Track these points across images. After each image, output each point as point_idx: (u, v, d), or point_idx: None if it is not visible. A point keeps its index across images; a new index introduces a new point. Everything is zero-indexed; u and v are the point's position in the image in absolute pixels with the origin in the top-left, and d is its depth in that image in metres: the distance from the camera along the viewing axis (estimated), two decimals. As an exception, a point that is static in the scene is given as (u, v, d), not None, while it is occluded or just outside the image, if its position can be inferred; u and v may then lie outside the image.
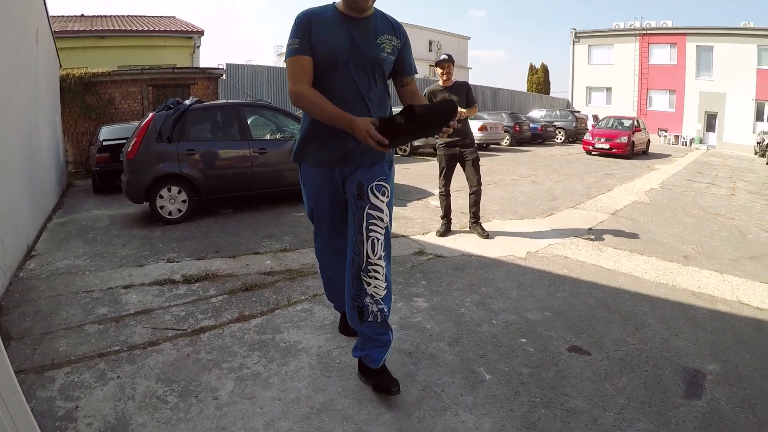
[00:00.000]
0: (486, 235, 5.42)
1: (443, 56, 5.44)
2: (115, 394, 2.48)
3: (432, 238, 5.39)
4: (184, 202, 6.63)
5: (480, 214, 5.68)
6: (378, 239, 2.32)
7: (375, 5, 2.36)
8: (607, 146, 16.81)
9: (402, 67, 2.45)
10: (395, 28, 2.41)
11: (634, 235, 5.67)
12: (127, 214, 7.13)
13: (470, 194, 5.59)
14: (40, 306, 3.64)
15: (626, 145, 16.76)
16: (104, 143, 9.58)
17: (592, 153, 17.24)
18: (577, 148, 19.65)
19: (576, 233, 5.67)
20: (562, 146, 22.00)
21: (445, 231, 5.56)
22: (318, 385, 2.60)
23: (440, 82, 5.45)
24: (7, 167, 4.58)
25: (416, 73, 2.56)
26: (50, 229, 6.30)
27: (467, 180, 5.57)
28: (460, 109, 4.71)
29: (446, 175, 5.60)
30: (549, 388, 2.57)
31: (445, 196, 5.62)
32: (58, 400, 2.42)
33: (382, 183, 2.36)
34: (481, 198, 5.66)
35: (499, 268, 4.38)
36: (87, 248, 5.29)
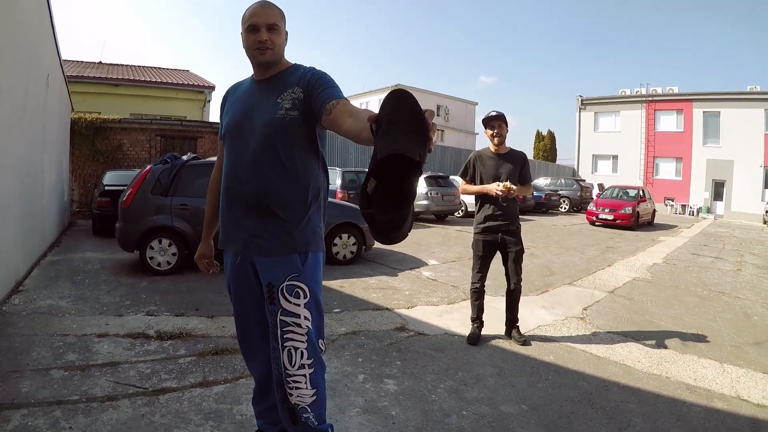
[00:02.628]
0: (524, 341, 4.35)
1: (492, 113, 4.36)
2: None
3: (416, 313, 5.16)
4: (173, 254, 6.73)
5: (518, 316, 4.53)
6: (296, 348, 1.99)
7: (308, 65, 2.08)
8: (611, 217, 16.63)
9: (317, 103, 1.90)
10: (303, 76, 2.00)
11: (630, 318, 5.39)
12: (118, 260, 7.29)
13: (507, 292, 4.49)
14: (14, 343, 3.68)
15: (631, 216, 16.57)
16: (106, 188, 9.97)
17: (596, 224, 17.04)
18: (581, 218, 19.48)
19: (569, 314, 5.40)
20: (567, 215, 21.86)
21: (478, 339, 4.37)
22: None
23: (491, 147, 4.46)
24: (3, 207, 4.75)
25: (344, 98, 1.89)
26: (42, 266, 6.46)
27: (506, 274, 4.48)
28: (508, 183, 4.13)
29: (482, 267, 4.49)
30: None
31: (478, 294, 4.49)
32: None
33: (294, 283, 2.00)
34: (520, 297, 4.52)
35: (481, 351, 4.13)
36: (73, 290, 5.39)
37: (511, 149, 4.47)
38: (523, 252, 4.46)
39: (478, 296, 4.48)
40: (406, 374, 3.63)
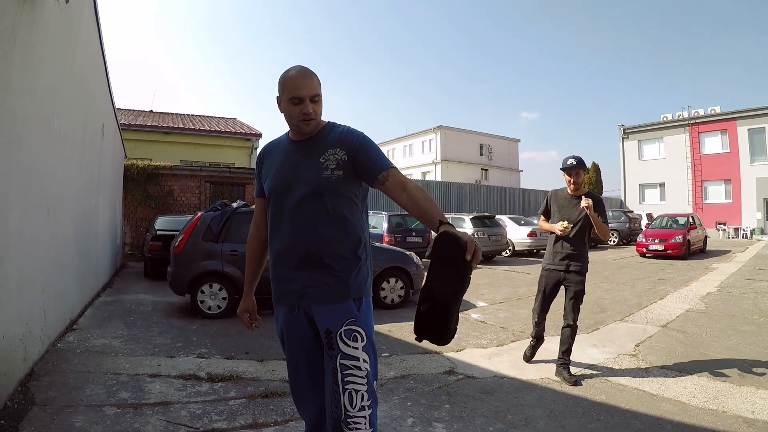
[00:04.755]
0: (575, 381, 4.34)
1: (571, 161, 4.53)
2: None
3: (465, 356, 5.18)
4: (224, 299, 6.93)
5: (571, 357, 4.59)
6: (357, 390, 2.07)
7: (342, 123, 2.25)
8: (661, 247, 16.24)
9: (365, 170, 2.12)
10: (342, 137, 2.17)
11: (685, 351, 5.29)
12: (170, 303, 7.51)
13: (563, 328, 4.57)
14: (69, 379, 3.79)
15: (681, 245, 16.16)
16: (158, 232, 10.36)
17: (647, 255, 16.66)
18: (631, 251, 19.06)
19: (621, 351, 5.34)
20: (616, 249, 21.41)
21: (533, 354, 4.90)
22: None
23: (568, 189, 4.64)
24: (62, 245, 5.04)
25: (391, 166, 2.14)
26: (96, 306, 6.69)
27: (563, 311, 4.58)
28: (565, 223, 4.40)
29: (543, 302, 4.69)
30: None
31: (537, 325, 4.78)
32: None
33: (352, 327, 2.10)
34: (575, 336, 4.59)
35: (531, 393, 4.14)
36: (125, 330, 5.55)
37: (588, 191, 4.62)
38: (584, 294, 4.54)
39: (537, 326, 4.78)
40: (455, 417, 3.66)
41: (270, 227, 2.27)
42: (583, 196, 4.47)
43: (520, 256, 17.25)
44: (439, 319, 1.91)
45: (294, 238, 2.15)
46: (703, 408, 3.78)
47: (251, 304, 2.49)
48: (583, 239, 4.52)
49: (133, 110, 22.50)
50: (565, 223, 4.41)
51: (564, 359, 4.51)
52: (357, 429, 2.10)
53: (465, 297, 7.31)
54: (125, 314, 6.52)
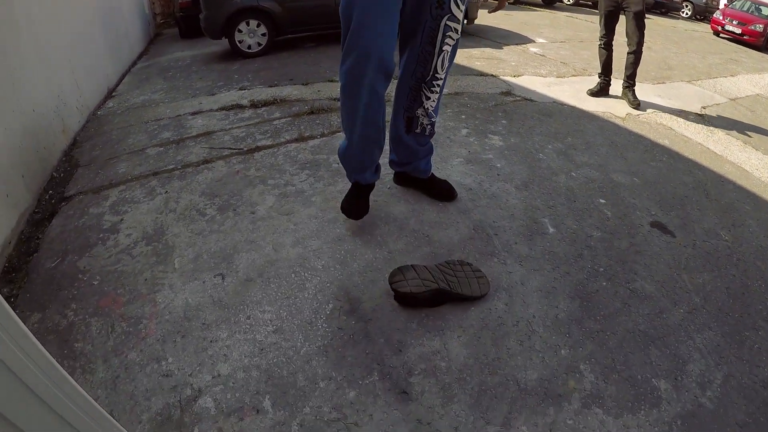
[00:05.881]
0: (637, 104, 4.50)
1: None
2: (159, 208, 2.52)
3: (523, 81, 4.88)
4: (263, 35, 6.58)
5: (636, 80, 4.66)
6: (448, 53, 2.06)
7: None
8: (738, 31, 14.70)
9: None
10: None
11: (752, 127, 4.91)
12: (209, 53, 7.23)
13: (628, 53, 4.57)
14: (111, 137, 3.72)
15: (760, 35, 14.59)
16: None
17: (720, 35, 15.19)
18: (704, 28, 17.40)
19: (686, 108, 4.97)
20: (687, 21, 19.56)
21: (599, 91, 4.73)
22: (360, 208, 2.43)
23: None
24: (83, 21, 4.76)
25: None
26: (133, 72, 6.38)
27: (626, 35, 4.52)
28: None
29: (606, 24, 4.58)
30: (618, 260, 2.26)
31: (605, 50, 4.65)
32: (107, 215, 2.50)
33: None
34: (640, 61, 4.58)
35: (593, 123, 3.91)
36: (165, 84, 5.36)
37: None
38: (644, 14, 4.39)
39: (605, 51, 4.64)
40: (512, 133, 3.51)
41: None
42: None
43: (584, 6, 15.88)
44: None
45: None
46: (766, 183, 3.54)
47: None
48: None
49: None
50: None
51: (629, 82, 4.61)
52: (435, 91, 2.15)
53: (524, 33, 6.77)
54: (163, 71, 6.11)
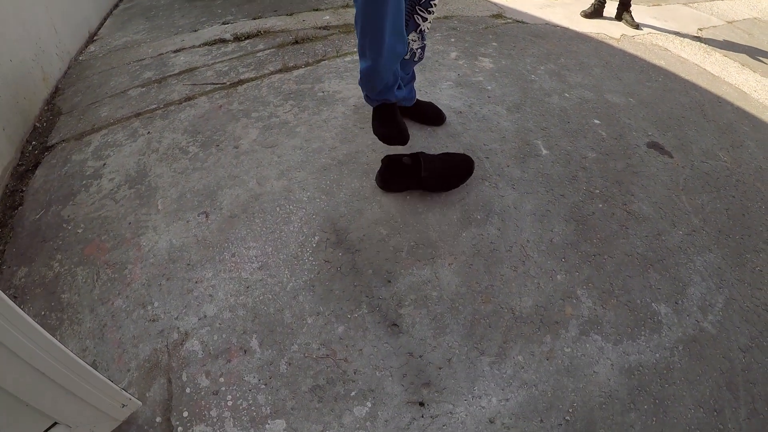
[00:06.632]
0: (636, 25, 4.34)
1: None
2: (141, 149, 2.41)
3: (515, 3, 4.62)
4: None
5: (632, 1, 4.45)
6: None
7: None
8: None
9: None
10: None
11: (749, 49, 4.74)
12: None
13: None
14: (92, 81, 3.52)
15: (758, -45, 14.19)
16: None
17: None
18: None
19: (682, 30, 4.77)
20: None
21: (593, 12, 4.43)
22: (346, 136, 2.35)
23: None
24: None
25: None
26: (115, 15, 5.95)
27: None
28: None
29: None
30: (614, 182, 2.15)
31: None
32: (90, 161, 2.39)
33: None
34: None
35: (586, 44, 3.73)
36: (147, 24, 5.05)
37: None
38: None
39: None
40: (503, 55, 3.33)
41: None
42: None
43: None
44: None
45: None
46: (764, 104, 3.42)
47: None
48: None
49: None
50: None
51: (625, 3, 4.41)
52: (432, 12, 1.97)
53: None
54: (145, 11, 5.66)
